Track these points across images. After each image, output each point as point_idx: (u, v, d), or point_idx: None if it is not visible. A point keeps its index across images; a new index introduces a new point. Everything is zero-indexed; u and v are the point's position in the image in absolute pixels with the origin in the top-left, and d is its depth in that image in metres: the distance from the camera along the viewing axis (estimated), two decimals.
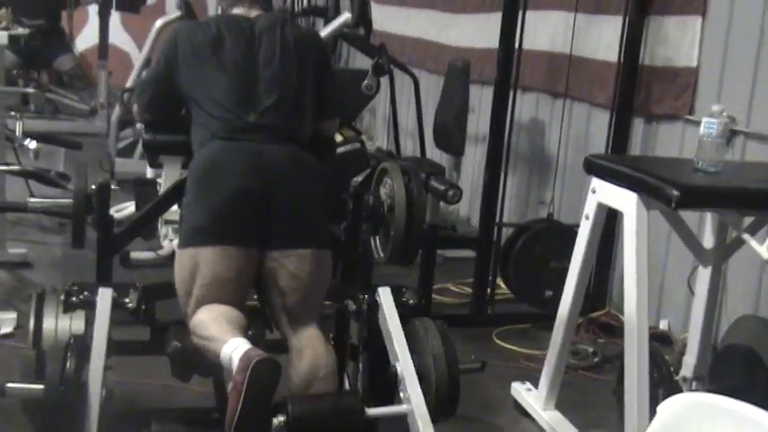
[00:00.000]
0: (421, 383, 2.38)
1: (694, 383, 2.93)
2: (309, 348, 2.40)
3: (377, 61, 4.59)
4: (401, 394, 2.39)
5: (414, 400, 2.34)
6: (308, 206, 2.46)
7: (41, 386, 2.15)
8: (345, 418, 2.32)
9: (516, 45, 3.91)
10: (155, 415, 2.39)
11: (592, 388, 3.40)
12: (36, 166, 4.16)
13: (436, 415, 2.41)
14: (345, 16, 4.66)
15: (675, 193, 2.40)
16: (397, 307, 2.53)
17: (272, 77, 2.50)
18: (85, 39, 9.22)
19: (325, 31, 4.73)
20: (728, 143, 3.22)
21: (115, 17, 8.11)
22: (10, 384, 2.20)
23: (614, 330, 3.78)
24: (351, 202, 2.75)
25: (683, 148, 3.73)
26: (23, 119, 4.09)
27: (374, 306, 2.53)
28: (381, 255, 2.96)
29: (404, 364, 2.40)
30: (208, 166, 2.42)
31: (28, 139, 3.93)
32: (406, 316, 2.55)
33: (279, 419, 2.21)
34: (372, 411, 2.35)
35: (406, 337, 2.46)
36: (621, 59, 3.98)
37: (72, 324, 2.48)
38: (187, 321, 2.36)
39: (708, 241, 2.91)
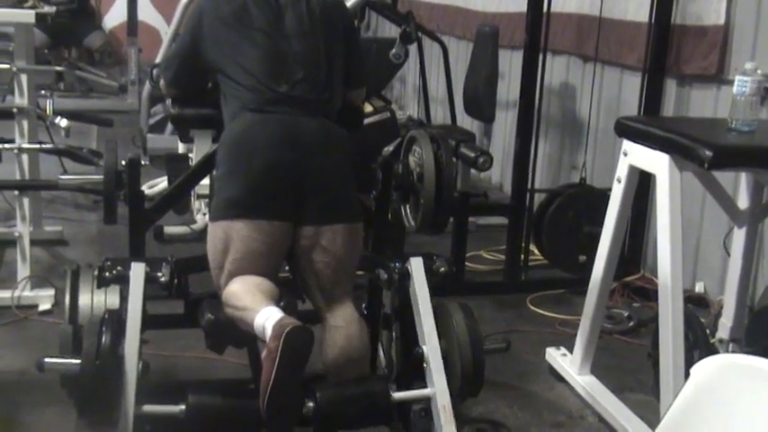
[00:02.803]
0: (447, 365, 2.44)
1: (731, 345, 2.91)
2: (344, 330, 2.43)
3: (404, 29, 4.55)
4: (426, 376, 2.43)
5: (437, 384, 2.40)
6: (340, 180, 2.46)
7: (78, 361, 2.19)
8: (372, 402, 2.37)
9: (545, 8, 3.85)
10: (191, 387, 2.40)
11: (627, 352, 3.39)
12: (68, 143, 4.20)
13: (462, 395, 2.51)
14: None
15: (708, 153, 2.37)
16: (429, 275, 2.53)
17: (301, 50, 2.48)
18: (114, 16, 9.27)
19: (351, 0, 4.69)
20: (763, 102, 3.16)
21: None
22: (48, 359, 2.24)
23: (649, 294, 3.76)
24: (380, 171, 2.74)
25: (718, 108, 3.67)
26: (54, 97, 4.11)
27: (406, 275, 2.53)
28: (412, 223, 2.96)
29: (430, 347, 2.44)
30: (239, 139, 2.41)
31: (59, 117, 3.96)
32: (438, 284, 2.55)
33: (308, 405, 2.26)
34: (398, 395, 2.41)
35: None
36: (653, 19, 3.92)
37: (107, 299, 2.51)
38: (220, 293, 2.38)
39: (743, 202, 2.87)
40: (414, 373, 2.50)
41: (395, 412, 2.42)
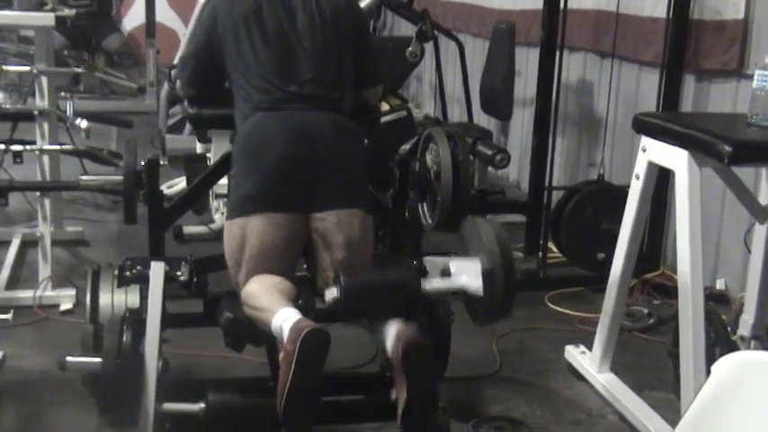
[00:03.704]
0: (486, 279, 2.25)
1: (752, 342, 2.89)
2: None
3: (420, 27, 4.56)
4: (453, 279, 2.28)
5: (466, 278, 2.24)
6: (354, 168, 2.47)
7: (100, 359, 2.21)
8: (402, 291, 2.27)
9: (561, 4, 3.84)
10: (210, 385, 2.42)
11: (647, 349, 3.37)
12: (88, 145, 4.23)
13: (495, 311, 2.33)
14: None
15: (727, 148, 2.35)
16: (447, 273, 2.52)
17: (311, 49, 2.50)
18: (133, 18, 9.33)
19: (366, 0, 4.70)
20: None
21: None
22: (70, 358, 2.26)
23: (669, 291, 3.73)
24: (397, 169, 2.74)
25: (737, 104, 3.65)
26: (74, 99, 4.14)
27: (424, 273, 2.52)
28: (429, 221, 2.96)
29: (454, 262, 2.29)
30: (252, 137, 2.43)
31: (79, 119, 3.99)
32: None
33: (332, 292, 2.21)
34: (431, 285, 2.28)
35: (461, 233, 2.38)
36: (670, 14, 3.90)
37: (127, 298, 2.52)
38: (238, 291, 2.39)
39: (764, 197, 2.85)
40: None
41: (426, 307, 2.31)
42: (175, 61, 5.75)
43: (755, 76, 2.52)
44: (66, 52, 7.67)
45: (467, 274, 2.28)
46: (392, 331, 2.21)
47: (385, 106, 4.60)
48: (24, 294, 3.57)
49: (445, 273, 2.30)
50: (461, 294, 2.29)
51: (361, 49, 2.63)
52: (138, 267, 2.44)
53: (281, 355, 2.11)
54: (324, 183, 2.39)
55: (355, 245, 2.42)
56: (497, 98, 4.84)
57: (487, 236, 2.31)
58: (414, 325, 2.22)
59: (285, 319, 2.15)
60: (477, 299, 2.28)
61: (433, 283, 2.29)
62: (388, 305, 2.27)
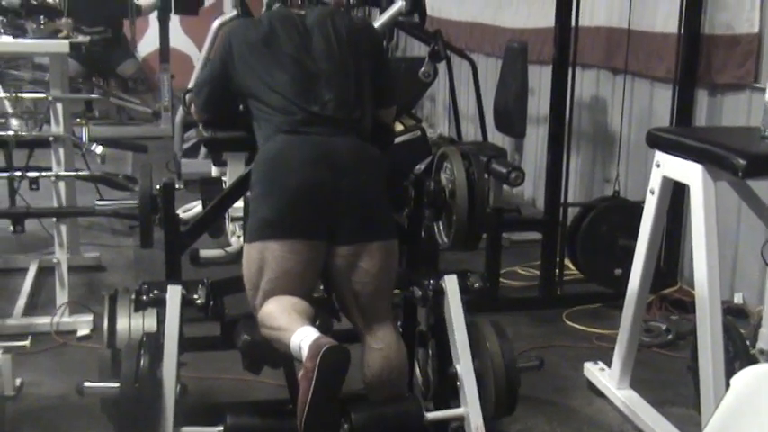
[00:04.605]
0: (480, 384, 2.45)
1: None
2: (383, 351, 2.45)
3: (433, 48, 4.58)
4: (461, 395, 2.45)
5: (470, 403, 2.42)
6: (375, 198, 2.47)
7: (117, 384, 2.21)
8: (406, 422, 2.40)
9: (573, 22, 3.85)
10: (229, 408, 2.42)
11: (666, 365, 3.35)
12: (104, 170, 4.25)
13: (496, 414, 2.52)
14: (399, 5, 4.64)
15: (742, 162, 2.35)
16: (464, 291, 2.53)
17: (330, 71, 2.51)
18: (147, 44, 9.39)
19: (379, 21, 4.73)
20: None
21: (174, 21, 8.24)
22: (88, 384, 2.27)
23: (687, 306, 3.72)
24: (412, 189, 2.75)
25: (751, 118, 3.64)
26: (89, 125, 4.17)
27: (440, 292, 2.54)
28: (445, 240, 2.96)
29: (463, 366, 2.45)
30: (274, 161, 2.44)
31: (94, 144, 4.02)
32: (472, 301, 2.55)
33: (343, 426, 2.28)
34: (431, 415, 2.44)
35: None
36: (681, 30, 3.90)
37: (144, 322, 2.53)
38: (255, 314, 2.39)
39: None
40: (449, 391, 2.50)
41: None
42: (190, 86, 5.82)
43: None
44: (80, 79, 7.74)
45: None
46: None
47: (399, 126, 4.62)
48: (42, 321, 3.59)
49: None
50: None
51: (378, 69, 2.64)
52: (155, 291, 2.44)
53: (301, 373, 2.11)
54: (345, 216, 2.39)
55: (377, 274, 2.43)
56: (511, 116, 4.84)
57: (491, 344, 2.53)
58: None
59: (304, 337, 2.15)
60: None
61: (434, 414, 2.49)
62: None
